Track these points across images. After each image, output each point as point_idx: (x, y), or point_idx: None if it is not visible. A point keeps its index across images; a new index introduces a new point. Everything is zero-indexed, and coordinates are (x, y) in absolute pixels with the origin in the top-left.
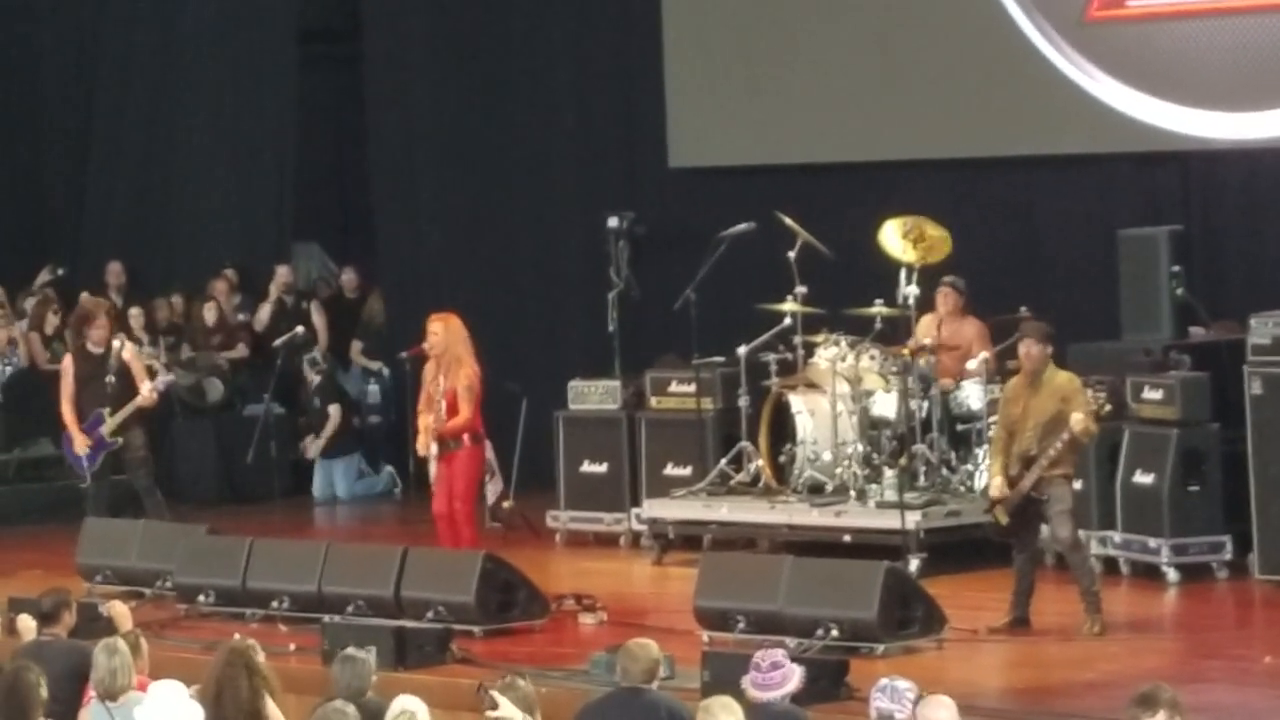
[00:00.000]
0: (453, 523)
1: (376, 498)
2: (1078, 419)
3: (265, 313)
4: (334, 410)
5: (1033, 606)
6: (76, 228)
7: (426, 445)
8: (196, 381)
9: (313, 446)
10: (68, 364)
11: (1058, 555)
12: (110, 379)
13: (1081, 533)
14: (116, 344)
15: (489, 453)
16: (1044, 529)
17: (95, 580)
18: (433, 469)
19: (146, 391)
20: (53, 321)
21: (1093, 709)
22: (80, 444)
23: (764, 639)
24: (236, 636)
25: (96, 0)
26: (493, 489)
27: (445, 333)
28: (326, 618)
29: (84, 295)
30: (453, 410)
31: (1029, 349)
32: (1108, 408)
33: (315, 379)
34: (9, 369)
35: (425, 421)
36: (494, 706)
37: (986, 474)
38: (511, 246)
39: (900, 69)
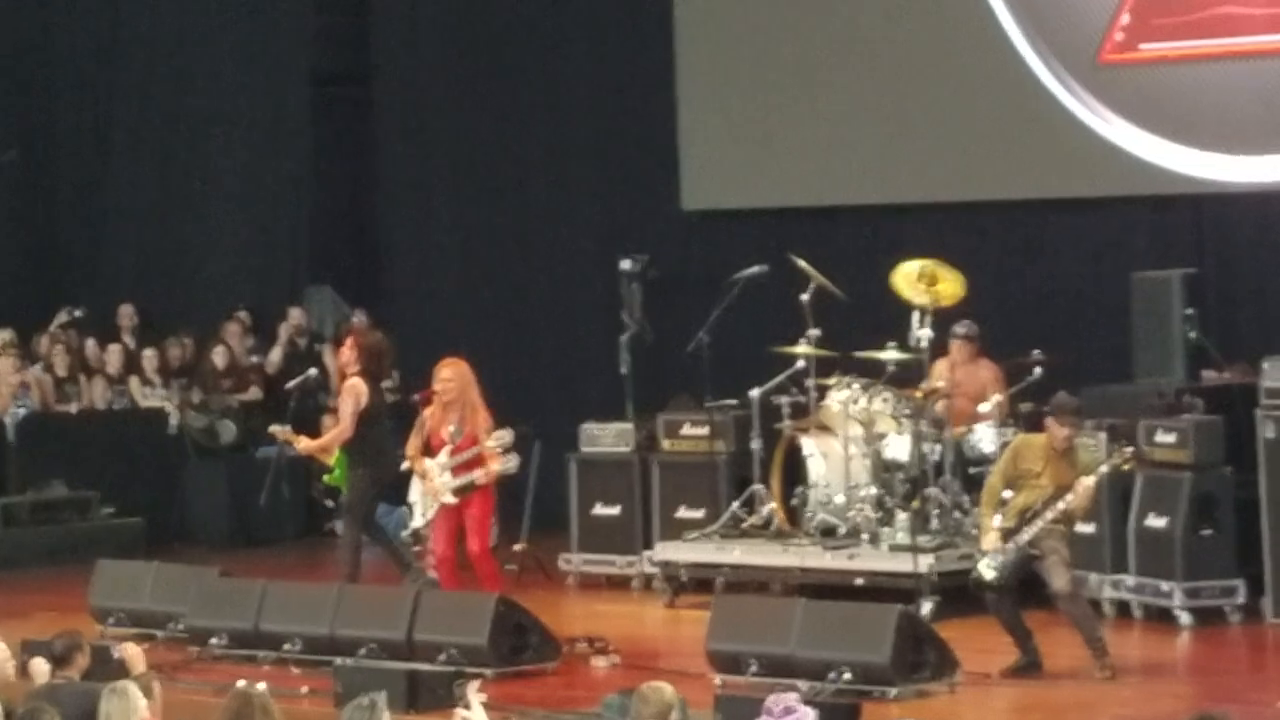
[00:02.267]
0: (454, 567)
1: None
2: (1087, 482)
3: (277, 355)
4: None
5: (1044, 649)
6: (90, 269)
7: (439, 492)
8: (209, 423)
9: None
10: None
11: None
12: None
13: (1094, 576)
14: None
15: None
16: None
17: (108, 623)
18: (431, 512)
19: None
20: (64, 363)
21: None
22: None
23: (776, 682)
24: (241, 683)
25: (111, 43)
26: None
27: (458, 378)
28: (339, 660)
29: (378, 334)
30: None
31: (1070, 433)
32: (1128, 466)
33: None
34: (22, 411)
35: (422, 466)
36: (466, 706)
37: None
38: (525, 289)
39: (914, 112)
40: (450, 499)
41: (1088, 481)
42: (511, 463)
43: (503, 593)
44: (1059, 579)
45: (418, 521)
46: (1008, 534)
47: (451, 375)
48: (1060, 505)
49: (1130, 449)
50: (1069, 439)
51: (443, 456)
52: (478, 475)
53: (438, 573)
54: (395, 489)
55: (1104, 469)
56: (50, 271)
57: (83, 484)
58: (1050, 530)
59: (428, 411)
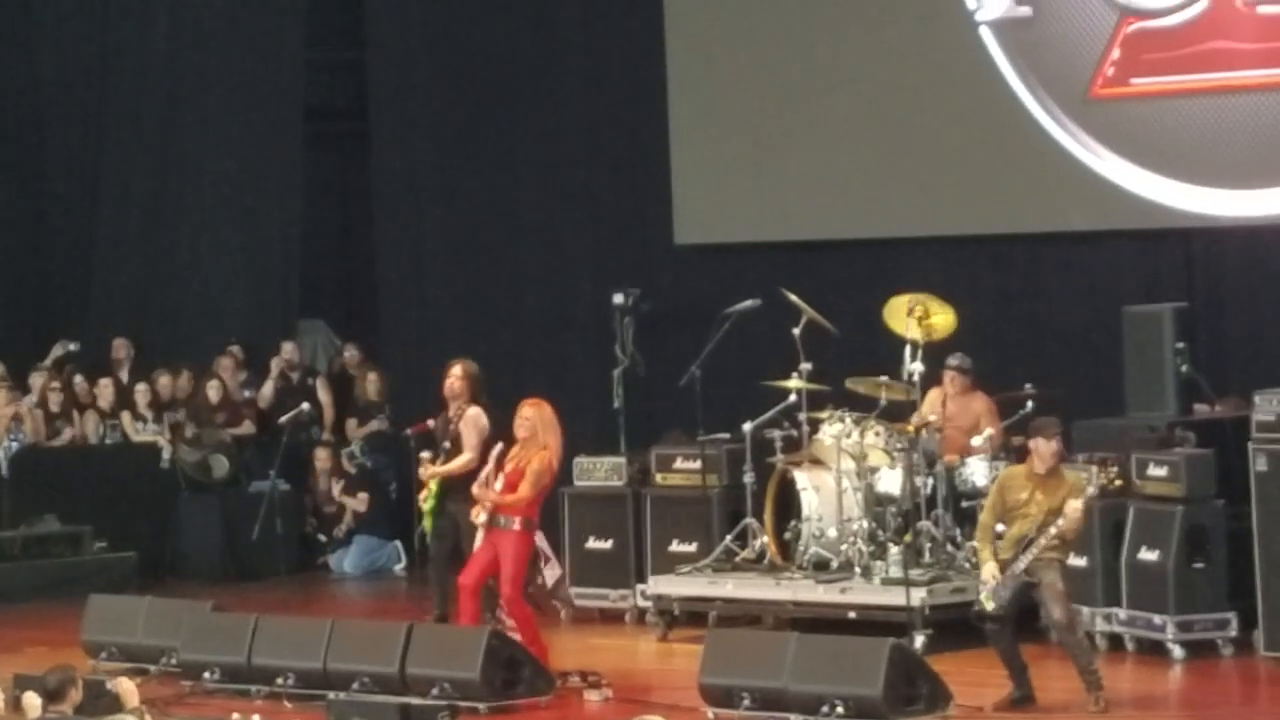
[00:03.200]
0: (474, 596)
1: (378, 572)
2: (1075, 505)
3: (269, 389)
4: (363, 497)
5: (1037, 682)
6: (83, 304)
7: (479, 511)
8: (202, 458)
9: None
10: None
11: None
12: (446, 445)
13: (1086, 610)
14: (462, 409)
15: (541, 540)
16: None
17: (100, 657)
18: (478, 539)
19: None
20: (57, 398)
21: None
22: None
23: (770, 716)
24: (235, 716)
25: (103, 74)
26: (550, 573)
27: (537, 419)
28: (332, 694)
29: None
30: (512, 488)
31: (1050, 448)
32: (1118, 482)
33: (354, 471)
34: (15, 445)
35: (480, 492)
36: None
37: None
38: (517, 323)
39: (905, 146)
40: (483, 518)
41: (1075, 504)
42: (554, 571)
43: (534, 640)
44: (1057, 609)
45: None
46: (1005, 564)
47: (531, 415)
48: (1052, 530)
49: (1115, 469)
50: (1053, 453)
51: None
52: (474, 511)
53: (458, 596)
54: (390, 524)
55: (1091, 490)
56: (42, 305)
57: (75, 518)
58: (1048, 561)
59: (512, 450)
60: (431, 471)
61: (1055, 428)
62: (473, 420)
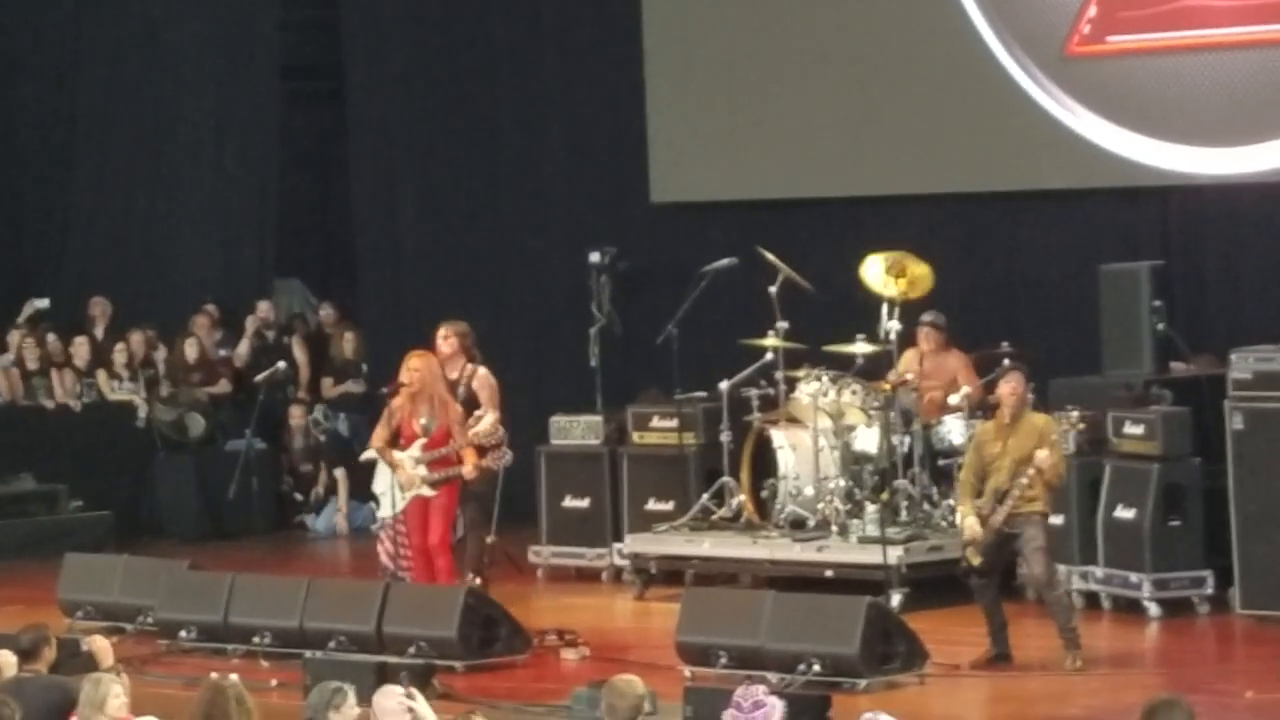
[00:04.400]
0: (427, 558)
1: (355, 532)
2: (1042, 455)
3: (245, 348)
4: (340, 474)
5: (1014, 641)
6: (58, 263)
7: (413, 481)
8: (178, 417)
9: (323, 518)
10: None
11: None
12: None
13: (1062, 568)
14: (470, 369)
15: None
16: (1021, 568)
17: (76, 616)
18: (402, 503)
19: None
20: (35, 356)
21: None
22: None
23: (746, 674)
24: (213, 675)
25: (77, 36)
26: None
27: (425, 369)
28: (308, 653)
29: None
30: (440, 447)
31: (1015, 388)
32: (1081, 425)
33: (321, 438)
34: None
35: (391, 457)
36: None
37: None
38: (494, 282)
39: (882, 105)
40: (428, 491)
41: (1042, 453)
42: (506, 458)
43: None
44: (1037, 565)
45: (385, 512)
46: (985, 518)
47: (419, 366)
48: (1024, 479)
49: (1077, 413)
50: (1015, 392)
51: (415, 450)
52: (465, 469)
53: (412, 564)
54: (365, 485)
55: (1061, 429)
56: (17, 265)
57: (51, 477)
58: (1028, 516)
59: (396, 402)
60: (470, 435)
61: (1018, 373)
62: (485, 379)
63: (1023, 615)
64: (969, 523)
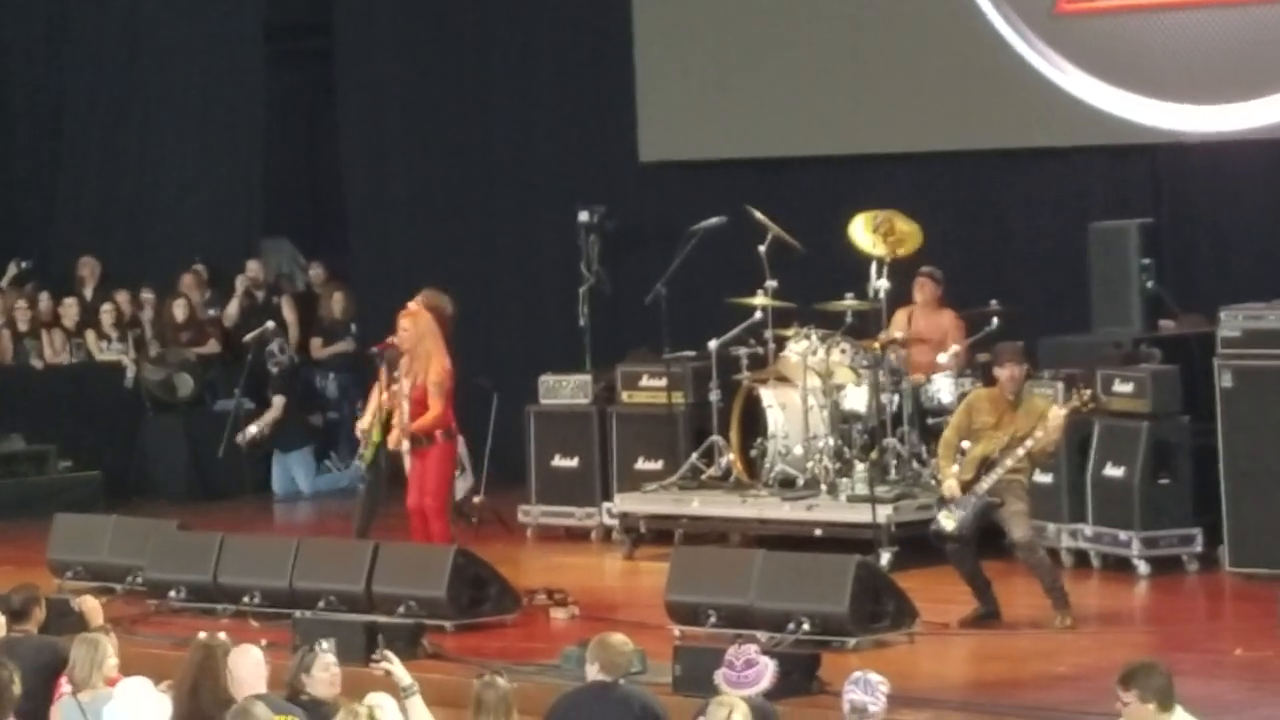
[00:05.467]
0: (424, 518)
1: (341, 492)
2: (1040, 438)
3: (234, 308)
4: (277, 401)
5: (1003, 599)
6: (46, 223)
7: (399, 440)
8: (167, 377)
9: (243, 434)
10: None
11: None
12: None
13: (1051, 526)
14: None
15: (461, 448)
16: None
17: (66, 576)
18: (407, 464)
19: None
20: (26, 317)
21: (1063, 702)
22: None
23: (736, 633)
24: (202, 635)
25: None
26: (463, 484)
27: (415, 327)
28: (298, 613)
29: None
30: (421, 406)
31: (1013, 373)
32: (1090, 405)
33: (273, 370)
34: None
35: (397, 415)
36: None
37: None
38: (483, 241)
39: (871, 63)
40: (405, 446)
41: (1057, 413)
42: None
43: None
44: (1018, 529)
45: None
46: (966, 485)
47: (408, 324)
48: (1020, 451)
49: (1089, 391)
50: (1015, 378)
51: (405, 405)
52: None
53: (409, 522)
54: (349, 443)
55: (1062, 411)
56: (6, 226)
57: (40, 437)
58: (1010, 481)
59: (402, 361)
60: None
61: (1017, 356)
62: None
63: (1011, 574)
64: (949, 485)
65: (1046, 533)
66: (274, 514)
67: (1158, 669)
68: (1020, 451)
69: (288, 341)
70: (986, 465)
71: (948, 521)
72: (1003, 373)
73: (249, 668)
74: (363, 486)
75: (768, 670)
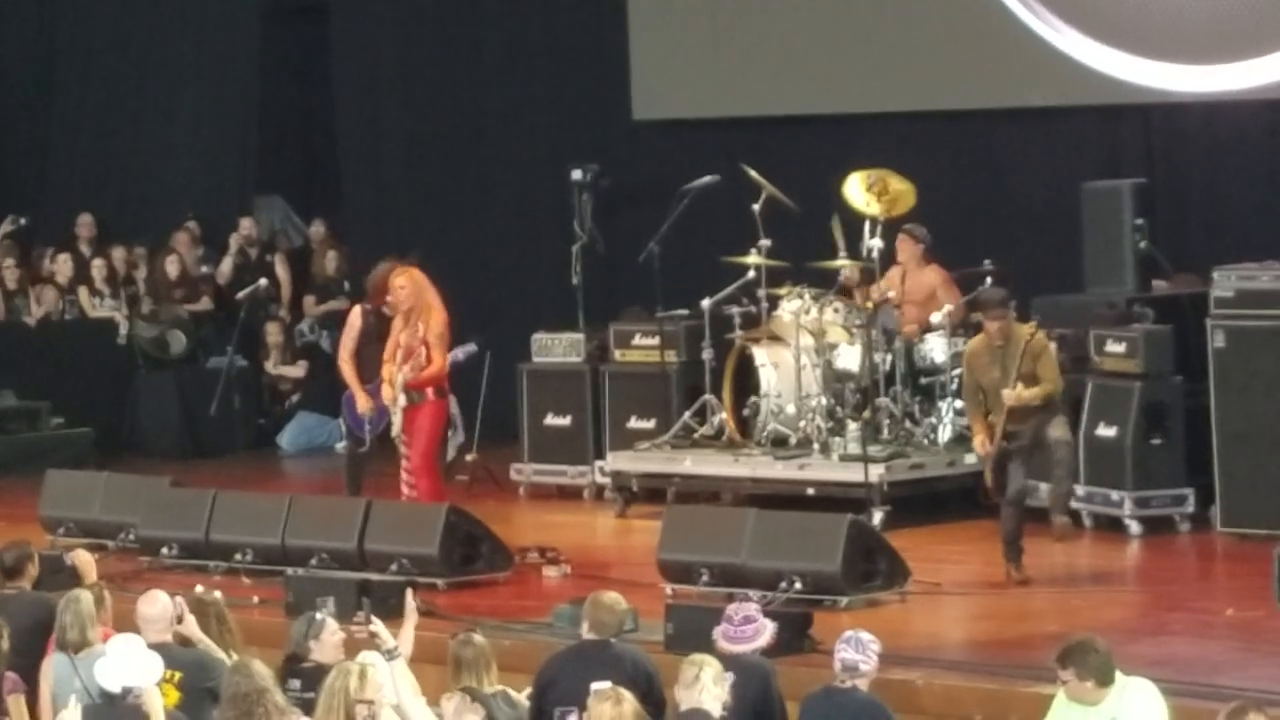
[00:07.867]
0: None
1: (319, 450)
2: (1034, 390)
3: (227, 265)
4: (303, 364)
5: (992, 559)
6: (40, 180)
7: (394, 396)
8: (159, 334)
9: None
10: (355, 318)
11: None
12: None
13: (1044, 486)
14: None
15: (453, 407)
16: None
17: (58, 533)
18: (397, 421)
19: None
20: (14, 275)
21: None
22: (364, 405)
23: (728, 591)
24: (199, 589)
25: None
26: (454, 443)
27: (413, 283)
28: (290, 570)
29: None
30: (430, 359)
31: (1003, 326)
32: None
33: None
34: None
35: (390, 371)
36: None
37: (961, 432)
38: (476, 200)
39: (864, 21)
40: (401, 401)
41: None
42: (458, 354)
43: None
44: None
45: (395, 430)
46: (993, 434)
47: (404, 283)
48: (1028, 394)
49: (1034, 321)
50: (1002, 330)
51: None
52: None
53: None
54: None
55: (1047, 346)
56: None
57: (32, 394)
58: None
59: (396, 324)
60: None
61: (994, 306)
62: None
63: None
64: (978, 440)
65: (1039, 492)
66: (266, 471)
67: (1095, 646)
68: (1028, 394)
69: (280, 301)
70: (1012, 417)
71: (990, 475)
72: (991, 326)
73: (155, 619)
74: (350, 443)
75: (766, 629)
